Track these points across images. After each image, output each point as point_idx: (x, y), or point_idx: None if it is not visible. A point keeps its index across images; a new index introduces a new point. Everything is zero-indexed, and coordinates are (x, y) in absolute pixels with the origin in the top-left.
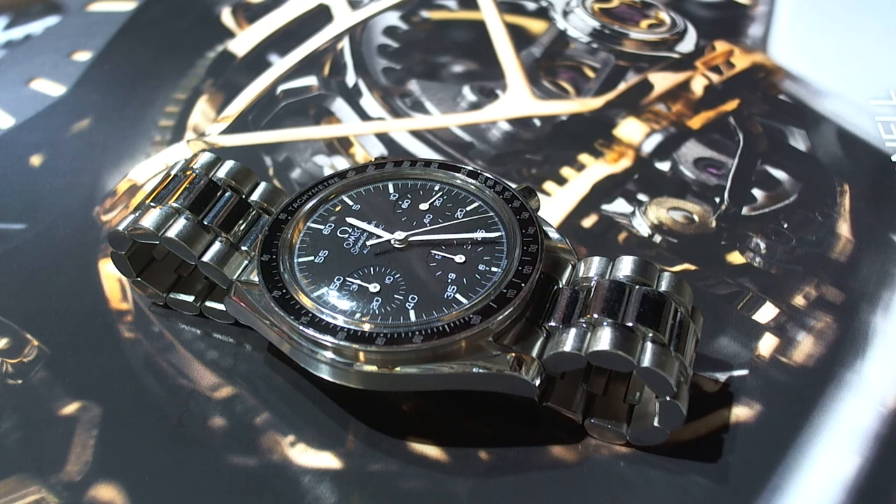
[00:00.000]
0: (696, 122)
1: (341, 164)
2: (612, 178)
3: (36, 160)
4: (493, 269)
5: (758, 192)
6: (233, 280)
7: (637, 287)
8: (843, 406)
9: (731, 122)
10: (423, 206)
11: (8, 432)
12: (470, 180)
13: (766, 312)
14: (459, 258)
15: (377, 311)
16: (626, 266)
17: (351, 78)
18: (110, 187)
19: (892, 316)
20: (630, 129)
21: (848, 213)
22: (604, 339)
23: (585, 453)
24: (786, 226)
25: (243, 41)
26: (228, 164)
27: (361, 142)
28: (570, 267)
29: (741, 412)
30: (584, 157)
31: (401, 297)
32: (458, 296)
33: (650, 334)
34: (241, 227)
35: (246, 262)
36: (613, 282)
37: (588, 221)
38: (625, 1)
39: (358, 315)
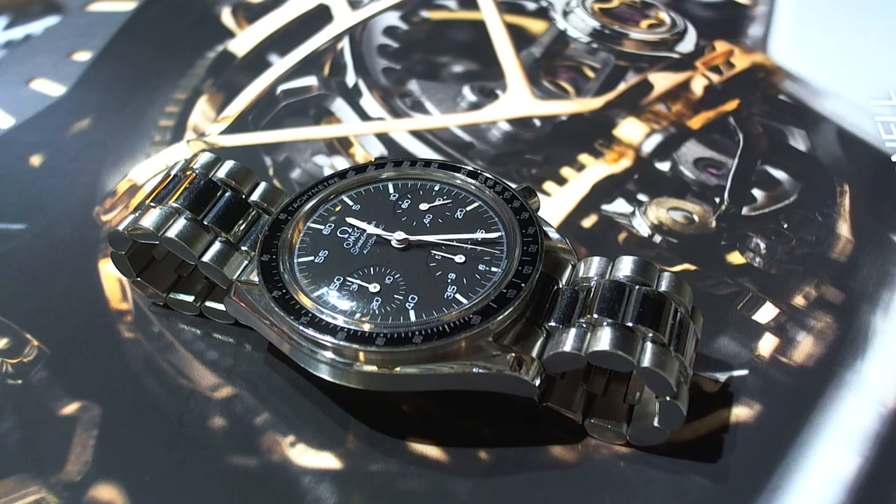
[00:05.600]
0: (696, 122)
1: (341, 164)
2: (612, 178)
3: (36, 160)
4: (493, 269)
5: (758, 192)
6: (233, 280)
7: (637, 287)
8: (843, 406)
9: (731, 122)
10: (423, 207)
11: (8, 432)
12: (470, 180)
13: (766, 312)
14: (459, 258)
15: (377, 311)
16: (626, 266)
17: (351, 78)
18: (110, 187)
19: (892, 316)
20: (630, 129)
21: (848, 213)
22: (604, 340)
23: (585, 453)
24: (786, 226)
25: (243, 41)
26: (228, 164)
27: (361, 142)
28: (570, 267)
29: (741, 412)
30: (584, 157)
31: (401, 297)
32: (458, 296)
33: (650, 334)
34: (241, 227)
35: (246, 262)
36: (613, 282)
37: (588, 221)
38: (625, 1)
39: (358, 315)
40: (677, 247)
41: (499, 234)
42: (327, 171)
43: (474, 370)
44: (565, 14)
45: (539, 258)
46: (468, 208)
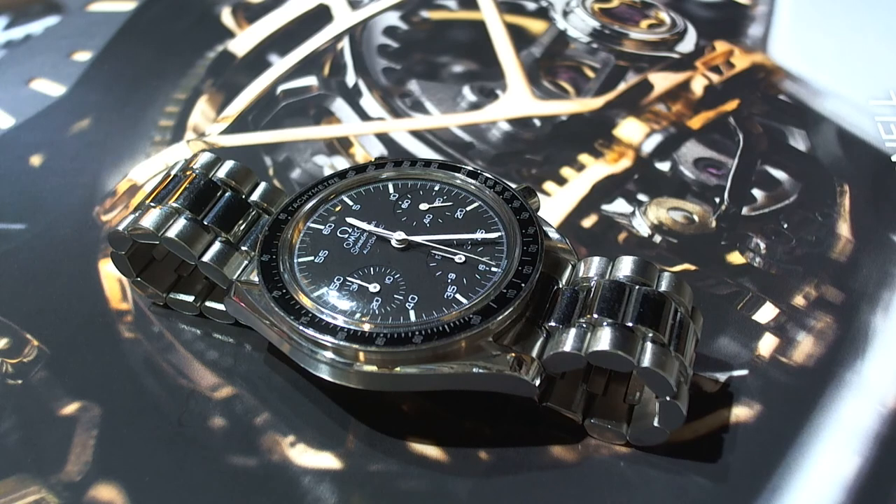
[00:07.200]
0: (696, 122)
1: (341, 164)
2: (612, 178)
3: (36, 160)
4: (493, 269)
5: (758, 192)
6: (233, 280)
7: (637, 287)
8: (843, 406)
9: (731, 122)
10: (423, 207)
11: (8, 432)
12: (470, 180)
13: (766, 312)
14: (459, 258)
15: (377, 311)
16: (625, 266)
17: (351, 78)
18: (110, 187)
19: (892, 316)
20: (630, 129)
21: (848, 213)
22: (604, 340)
23: (585, 453)
24: (786, 226)
25: (243, 41)
26: (228, 164)
27: (361, 142)
28: (570, 267)
29: (741, 412)
30: (584, 157)
31: (401, 297)
32: (458, 296)
33: (650, 334)
34: (241, 227)
35: (246, 262)
36: (613, 282)
37: (588, 221)
38: (625, 1)
39: (358, 315)
40: (677, 247)
41: (499, 234)
42: (327, 171)
43: (474, 370)
44: (565, 14)
45: (539, 258)
46: (468, 208)
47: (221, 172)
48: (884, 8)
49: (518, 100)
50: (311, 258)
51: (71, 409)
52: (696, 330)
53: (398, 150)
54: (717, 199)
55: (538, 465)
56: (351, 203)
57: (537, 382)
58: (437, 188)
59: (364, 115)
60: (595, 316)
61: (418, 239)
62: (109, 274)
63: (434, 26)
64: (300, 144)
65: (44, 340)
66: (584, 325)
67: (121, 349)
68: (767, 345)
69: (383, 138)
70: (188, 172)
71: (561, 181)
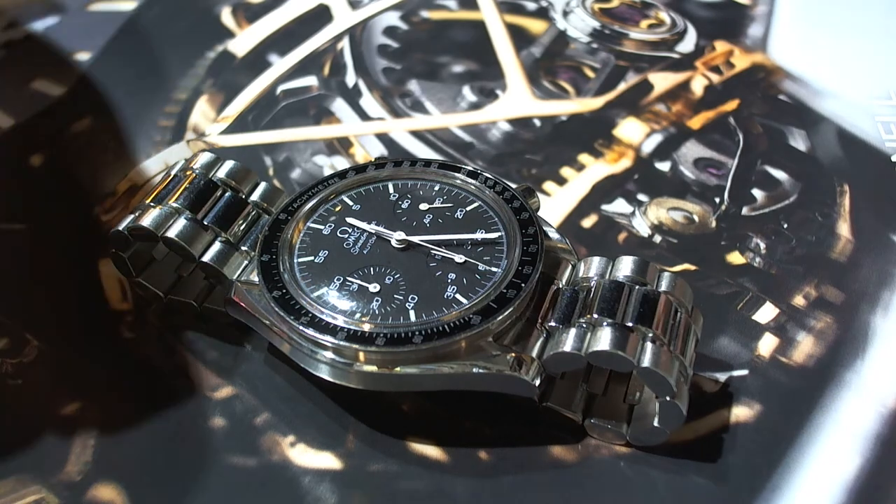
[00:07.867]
0: (696, 122)
1: (341, 164)
2: (612, 178)
3: (36, 160)
4: (493, 269)
5: (758, 192)
6: (233, 280)
7: (637, 287)
8: (843, 406)
9: (731, 122)
10: (423, 207)
11: (8, 432)
12: (470, 180)
13: (766, 312)
14: (459, 258)
15: (377, 312)
16: (625, 266)
17: (351, 78)
18: (110, 187)
19: (892, 316)
20: (630, 129)
21: (848, 213)
22: (604, 340)
23: (585, 453)
24: (786, 226)
25: (243, 41)
26: (228, 164)
27: (361, 142)
28: (569, 267)
29: (741, 412)
30: (584, 157)
31: (401, 298)
32: (458, 296)
33: (650, 334)
34: (241, 227)
35: (246, 262)
36: (613, 282)
37: (588, 221)
38: (625, 1)
39: (358, 315)
40: (677, 247)
41: (499, 234)
42: (327, 171)
43: (474, 370)
44: (565, 14)
45: (539, 258)
46: (468, 208)
47: (221, 172)
48: (884, 8)
49: (518, 100)
50: (311, 258)
51: (71, 409)
52: (696, 330)
53: (398, 150)
54: (717, 199)
55: (538, 465)
56: (351, 203)
57: (537, 382)
58: (437, 188)
59: (364, 115)
60: (595, 316)
61: (418, 239)
62: (109, 274)
63: (434, 26)
64: (300, 144)
65: (44, 340)
66: (584, 325)
67: (121, 349)
68: (767, 345)
69: (383, 138)
70: (188, 172)
71: (561, 181)
